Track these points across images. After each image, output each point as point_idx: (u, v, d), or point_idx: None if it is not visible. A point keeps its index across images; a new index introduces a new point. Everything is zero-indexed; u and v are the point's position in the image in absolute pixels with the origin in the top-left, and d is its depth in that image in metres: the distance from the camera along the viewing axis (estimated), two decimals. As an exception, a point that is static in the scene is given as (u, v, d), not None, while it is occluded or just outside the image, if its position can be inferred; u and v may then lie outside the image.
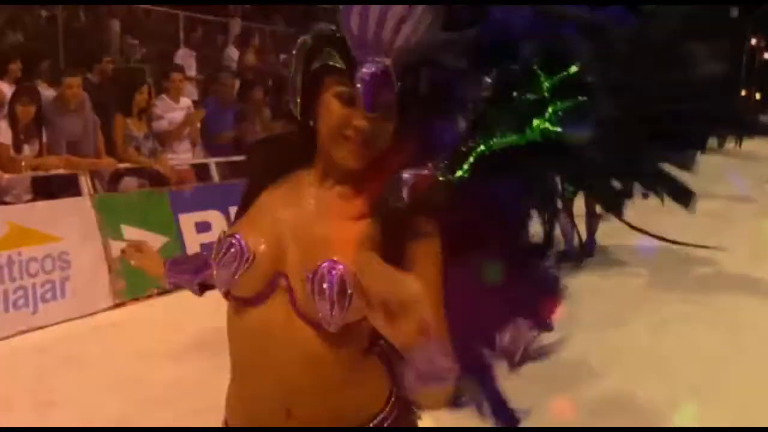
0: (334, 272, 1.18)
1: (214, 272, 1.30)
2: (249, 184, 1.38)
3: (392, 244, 1.19)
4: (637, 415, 3.56)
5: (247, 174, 1.41)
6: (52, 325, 4.87)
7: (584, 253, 7.11)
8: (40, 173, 5.35)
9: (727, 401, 3.81)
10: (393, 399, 1.34)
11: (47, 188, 5.41)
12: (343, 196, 1.29)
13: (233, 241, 1.27)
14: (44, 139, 5.43)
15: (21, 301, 4.85)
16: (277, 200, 1.33)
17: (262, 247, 1.27)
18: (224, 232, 1.31)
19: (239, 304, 1.30)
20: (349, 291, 1.17)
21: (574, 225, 7.09)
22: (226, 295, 1.32)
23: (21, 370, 4.14)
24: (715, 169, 11.16)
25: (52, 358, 4.29)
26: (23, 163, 5.24)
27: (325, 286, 1.18)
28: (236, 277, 1.26)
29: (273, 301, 1.26)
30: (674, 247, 1.52)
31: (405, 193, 1.21)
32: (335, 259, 1.20)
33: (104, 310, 5.12)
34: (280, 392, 1.27)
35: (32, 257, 4.90)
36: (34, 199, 5.29)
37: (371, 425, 1.30)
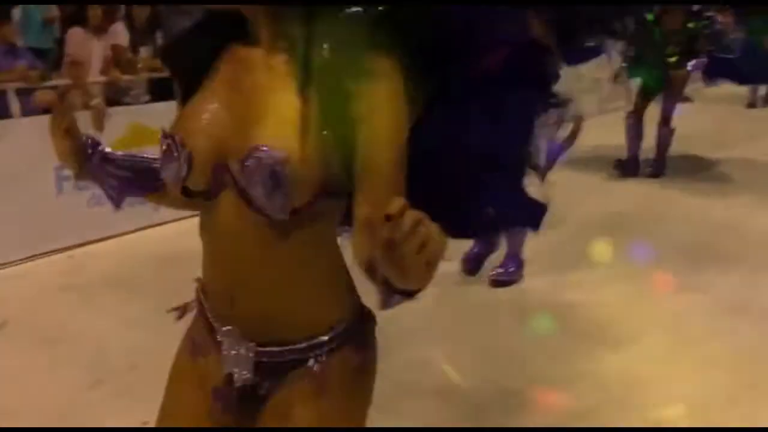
0: (262, 157, 1.06)
1: (162, 174, 1.21)
2: (184, 78, 1.26)
3: (333, 103, 1.07)
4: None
5: (177, 70, 1.29)
6: (170, 221, 5.08)
7: (654, 168, 6.41)
8: (156, 75, 5.45)
9: None
10: (353, 309, 1.26)
11: (164, 90, 5.53)
12: (287, 66, 1.12)
13: (170, 141, 1.16)
14: (159, 41, 5.53)
15: (143, 198, 5.06)
16: (221, 85, 1.19)
17: (201, 141, 1.15)
18: (163, 131, 1.19)
19: (199, 198, 1.20)
20: (281, 175, 1.05)
21: (640, 134, 6.69)
22: (183, 191, 1.21)
23: (145, 261, 4.41)
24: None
25: (171, 251, 4.48)
26: (140, 65, 5.37)
27: (255, 172, 1.07)
28: (180, 176, 1.16)
29: (224, 194, 1.15)
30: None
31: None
32: (266, 142, 1.07)
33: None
34: (226, 281, 1.22)
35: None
36: (151, 101, 5.43)
37: (328, 337, 1.22)
